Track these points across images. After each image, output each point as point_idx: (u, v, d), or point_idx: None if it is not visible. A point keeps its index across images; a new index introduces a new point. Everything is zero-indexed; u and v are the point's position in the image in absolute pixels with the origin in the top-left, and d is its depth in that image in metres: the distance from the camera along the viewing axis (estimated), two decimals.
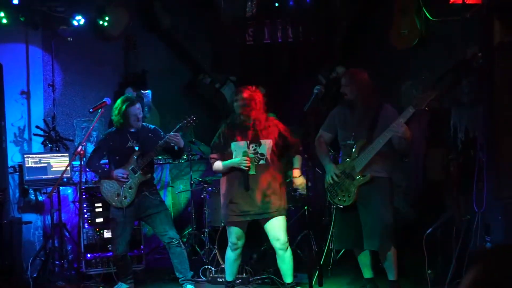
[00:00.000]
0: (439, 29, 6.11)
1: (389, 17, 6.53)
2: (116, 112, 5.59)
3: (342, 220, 5.31)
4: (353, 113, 5.20)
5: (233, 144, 5.19)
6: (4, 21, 6.32)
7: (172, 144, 5.54)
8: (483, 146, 5.10)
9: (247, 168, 5.05)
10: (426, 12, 6.09)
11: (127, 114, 5.57)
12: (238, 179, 5.13)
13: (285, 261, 5.20)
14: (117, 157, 5.70)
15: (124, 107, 5.55)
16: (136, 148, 5.63)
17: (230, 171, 5.20)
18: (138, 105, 5.64)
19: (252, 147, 5.15)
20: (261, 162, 5.13)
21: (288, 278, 5.24)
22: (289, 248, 5.19)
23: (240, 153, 5.12)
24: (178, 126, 5.57)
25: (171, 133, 5.49)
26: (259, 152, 5.14)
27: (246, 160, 5.05)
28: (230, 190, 5.21)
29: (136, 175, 5.60)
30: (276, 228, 5.14)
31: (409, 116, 4.80)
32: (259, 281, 5.94)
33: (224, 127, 5.34)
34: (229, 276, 5.39)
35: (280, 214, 5.15)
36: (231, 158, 5.17)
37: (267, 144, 5.14)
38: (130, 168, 5.60)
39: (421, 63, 6.38)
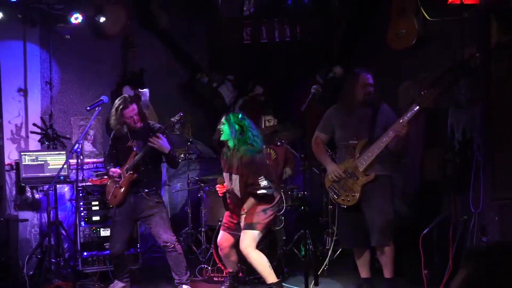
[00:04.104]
0: (437, 29, 6.09)
1: (387, 17, 6.52)
2: (114, 117, 5.57)
3: (346, 219, 5.33)
4: (352, 114, 5.20)
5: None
6: (1, 15, 6.29)
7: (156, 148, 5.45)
8: (480, 147, 5.09)
9: (221, 195, 5.51)
10: (424, 12, 6.08)
11: (123, 118, 5.54)
12: None
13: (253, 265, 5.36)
14: (120, 156, 5.73)
15: (119, 111, 5.51)
16: (134, 148, 5.61)
17: None
18: (132, 107, 5.53)
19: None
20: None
21: (265, 279, 5.33)
22: (250, 252, 5.25)
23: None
24: (162, 128, 5.58)
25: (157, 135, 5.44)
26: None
27: (218, 187, 5.53)
28: None
29: (127, 174, 5.59)
30: None
31: (414, 114, 4.81)
32: (256, 281, 5.94)
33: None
34: (227, 268, 5.73)
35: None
36: None
37: (236, 178, 5.36)
38: (125, 167, 5.60)
39: (419, 64, 6.37)
